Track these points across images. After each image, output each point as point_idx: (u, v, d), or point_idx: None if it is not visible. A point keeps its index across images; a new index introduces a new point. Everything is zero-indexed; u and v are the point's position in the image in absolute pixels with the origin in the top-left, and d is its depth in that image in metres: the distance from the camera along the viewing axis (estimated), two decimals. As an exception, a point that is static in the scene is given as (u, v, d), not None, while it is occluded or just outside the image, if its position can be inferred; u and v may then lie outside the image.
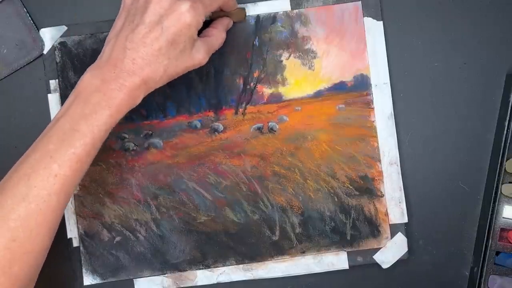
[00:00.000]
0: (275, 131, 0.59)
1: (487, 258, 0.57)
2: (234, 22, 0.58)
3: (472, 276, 0.59)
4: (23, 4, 0.59)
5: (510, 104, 0.57)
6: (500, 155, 0.57)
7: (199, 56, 0.52)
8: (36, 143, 0.49)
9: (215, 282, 0.59)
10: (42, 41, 0.59)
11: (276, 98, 0.59)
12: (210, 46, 0.54)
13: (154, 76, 0.50)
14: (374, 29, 0.59)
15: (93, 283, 0.59)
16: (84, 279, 0.59)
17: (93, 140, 0.48)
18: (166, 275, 0.59)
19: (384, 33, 0.59)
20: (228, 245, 0.59)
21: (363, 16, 0.59)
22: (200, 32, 0.53)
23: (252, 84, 0.59)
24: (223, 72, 0.59)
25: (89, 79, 0.49)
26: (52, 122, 0.50)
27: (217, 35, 0.55)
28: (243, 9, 0.59)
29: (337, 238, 0.59)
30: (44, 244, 0.49)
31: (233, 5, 0.56)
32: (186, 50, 0.51)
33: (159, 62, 0.49)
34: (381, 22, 0.59)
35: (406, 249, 0.59)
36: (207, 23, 0.55)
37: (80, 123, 0.48)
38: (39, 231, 0.47)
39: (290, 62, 0.59)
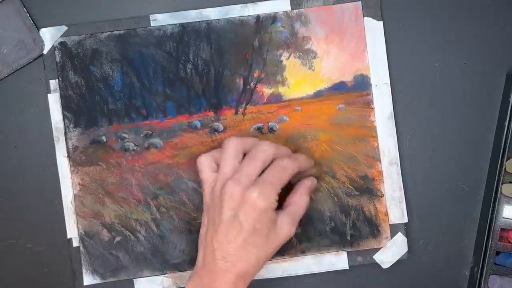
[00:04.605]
0: (275, 131, 0.59)
1: (487, 258, 0.57)
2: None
3: (472, 276, 0.59)
4: (23, 4, 0.59)
5: (510, 104, 0.57)
6: (500, 155, 0.57)
7: (285, 231, 0.52)
8: None
9: (215, 282, 0.59)
10: (42, 41, 0.59)
11: (276, 98, 0.59)
12: (294, 216, 0.53)
13: (248, 267, 0.50)
14: (374, 29, 0.59)
15: (93, 283, 0.59)
16: (84, 279, 0.59)
17: None
18: (166, 275, 0.59)
19: (384, 33, 0.59)
20: (228, 245, 0.59)
21: (363, 16, 0.59)
22: (281, 199, 0.52)
23: (252, 84, 0.59)
24: (223, 72, 0.59)
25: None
26: None
27: (300, 202, 0.53)
28: (320, 165, 0.58)
29: (337, 238, 0.59)
30: None
31: (308, 164, 0.56)
32: (271, 231, 0.51)
33: (248, 253, 0.50)
34: (381, 22, 0.59)
35: (406, 249, 0.59)
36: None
37: None
38: None
39: (290, 62, 0.59)
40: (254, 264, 0.51)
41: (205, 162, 0.54)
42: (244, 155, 0.53)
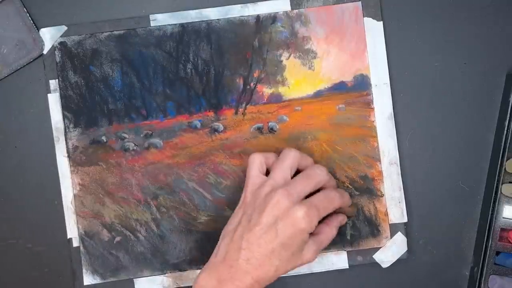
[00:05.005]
0: (275, 131, 0.59)
1: (487, 258, 0.57)
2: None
3: (472, 276, 0.59)
4: (23, 4, 0.59)
5: (510, 104, 0.57)
6: (500, 155, 0.57)
7: (308, 256, 0.53)
8: None
9: (215, 282, 0.59)
10: (42, 41, 0.59)
11: (276, 98, 0.59)
12: (319, 245, 0.54)
13: (265, 276, 0.51)
14: (374, 29, 0.59)
15: (93, 283, 0.59)
16: (84, 279, 0.59)
17: None
18: (166, 275, 0.59)
19: (384, 33, 0.59)
20: (228, 245, 0.59)
21: (363, 16, 0.59)
22: None
23: (252, 84, 0.59)
24: (223, 72, 0.59)
25: (205, 279, 0.51)
26: None
27: (328, 233, 0.54)
28: (356, 205, 0.59)
29: (337, 238, 0.59)
30: None
31: (348, 203, 0.56)
32: (297, 252, 0.52)
33: (271, 263, 0.50)
34: (381, 22, 0.59)
35: (405, 249, 0.59)
36: None
37: None
38: None
39: (290, 62, 0.59)
40: (271, 275, 0.51)
41: (257, 161, 0.54)
42: (297, 171, 0.54)
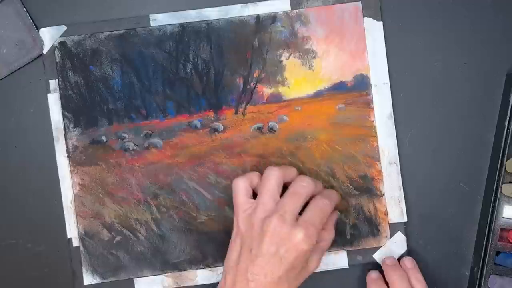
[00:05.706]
0: (275, 131, 0.59)
1: (487, 258, 0.57)
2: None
3: (472, 276, 0.59)
4: (23, 4, 0.59)
5: (510, 104, 0.57)
6: (500, 155, 0.57)
7: (314, 266, 0.53)
8: None
9: (215, 281, 0.59)
10: (41, 41, 0.59)
11: (276, 98, 0.59)
12: (323, 251, 0.54)
13: None
14: (374, 29, 0.59)
15: (93, 283, 0.59)
16: (84, 279, 0.59)
17: None
18: (166, 274, 0.59)
19: (384, 33, 0.59)
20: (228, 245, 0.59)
21: (363, 16, 0.59)
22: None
23: (252, 84, 0.59)
24: (223, 72, 0.59)
25: None
26: None
27: (329, 238, 0.55)
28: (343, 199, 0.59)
29: (337, 237, 0.59)
30: None
31: (339, 199, 0.57)
32: (303, 268, 0.52)
33: (280, 287, 0.51)
34: (381, 22, 0.59)
35: (405, 249, 0.59)
36: None
37: None
38: None
39: (290, 62, 0.59)
40: None
41: (241, 185, 0.54)
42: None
